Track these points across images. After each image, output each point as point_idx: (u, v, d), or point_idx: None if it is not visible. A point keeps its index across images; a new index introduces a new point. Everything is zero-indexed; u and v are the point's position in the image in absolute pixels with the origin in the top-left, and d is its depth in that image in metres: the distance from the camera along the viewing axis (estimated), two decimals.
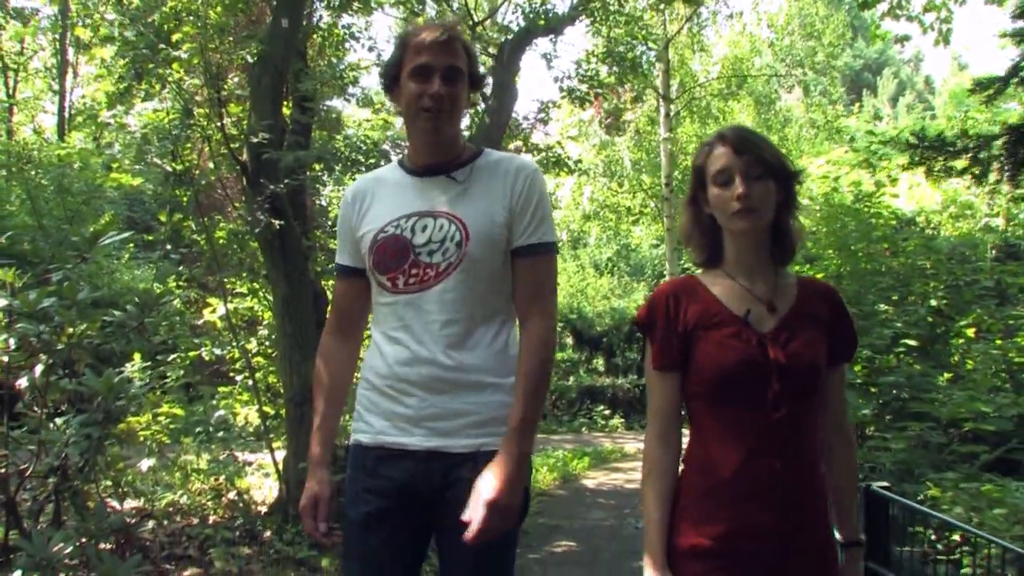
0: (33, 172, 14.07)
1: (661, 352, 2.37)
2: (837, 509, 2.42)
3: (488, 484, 2.44)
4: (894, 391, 8.03)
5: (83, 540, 4.89)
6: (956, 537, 4.77)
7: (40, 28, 23.90)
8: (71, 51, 23.88)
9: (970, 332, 9.16)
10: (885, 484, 4.29)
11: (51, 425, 5.22)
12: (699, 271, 2.49)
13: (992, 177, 3.26)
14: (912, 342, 8.58)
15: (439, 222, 2.63)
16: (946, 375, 8.14)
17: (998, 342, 8.65)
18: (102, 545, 5.27)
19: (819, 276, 9.90)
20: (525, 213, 2.66)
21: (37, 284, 5.53)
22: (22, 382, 5.12)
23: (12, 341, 4.96)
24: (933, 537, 5.02)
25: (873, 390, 8.27)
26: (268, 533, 7.01)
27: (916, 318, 9.25)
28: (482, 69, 2.91)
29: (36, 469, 5.22)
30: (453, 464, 2.56)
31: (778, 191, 2.32)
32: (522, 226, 2.65)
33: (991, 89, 3.17)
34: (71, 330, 5.28)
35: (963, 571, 4.70)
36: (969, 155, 3.33)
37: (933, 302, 9.59)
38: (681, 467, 2.40)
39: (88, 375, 5.17)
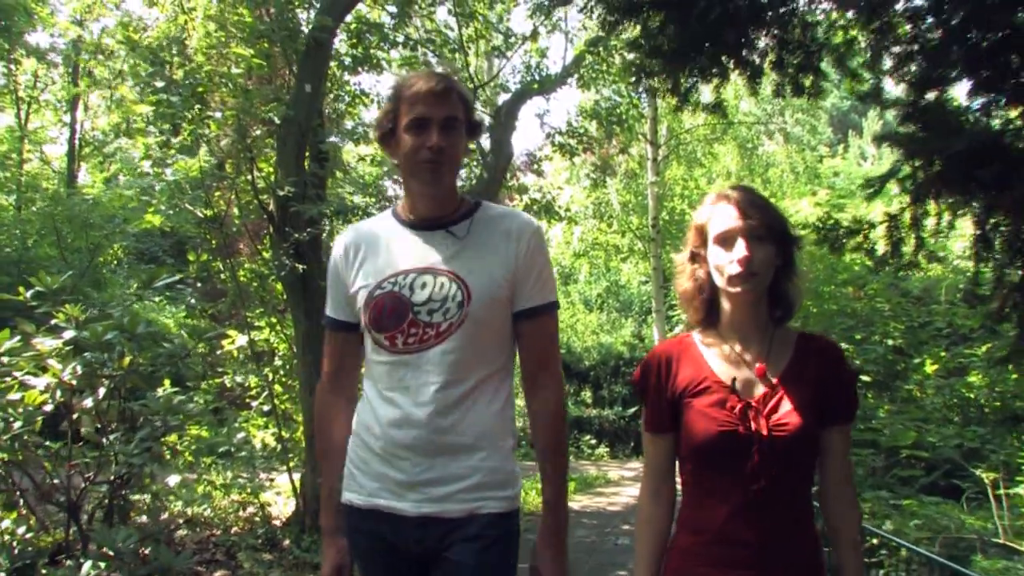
0: (57, 207, 14.96)
1: (652, 416, 2.38)
2: (845, 571, 2.31)
3: (547, 568, 2.60)
4: None
5: (143, 538, 5.79)
6: (875, 541, 5.66)
7: (51, 63, 24.73)
8: (83, 84, 24.72)
9: (929, 369, 10.02)
10: None
11: (104, 441, 6.10)
12: (695, 330, 2.43)
13: (879, 253, 4.11)
14: (867, 378, 9.52)
15: (439, 280, 2.56)
16: (886, 407, 9.02)
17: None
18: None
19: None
20: (530, 275, 2.62)
21: (98, 318, 6.44)
22: (87, 403, 6.01)
23: (80, 368, 5.86)
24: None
25: None
26: (287, 541, 7.89)
27: (875, 356, 10.18)
28: (479, 116, 2.92)
29: (97, 479, 6.12)
30: (449, 528, 2.51)
31: (778, 255, 2.27)
32: (527, 288, 2.62)
33: (874, 187, 4.05)
34: (128, 359, 6.16)
35: (882, 571, 5.60)
36: (860, 235, 4.19)
37: (890, 341, 10.54)
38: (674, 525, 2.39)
39: (148, 396, 6.09)
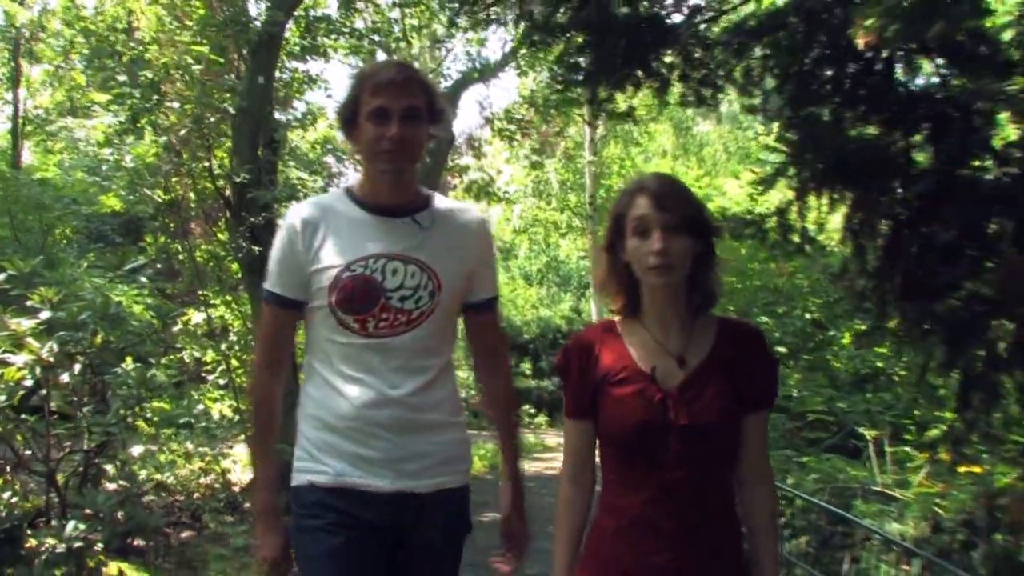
0: (9, 188, 15.24)
1: (572, 402, 2.37)
2: (756, 561, 2.30)
3: (519, 532, 2.80)
4: None
5: (121, 500, 6.37)
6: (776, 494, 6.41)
7: None
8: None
9: (846, 340, 10.80)
10: None
11: (78, 413, 6.64)
12: (618, 317, 2.40)
13: (771, 240, 4.73)
14: (783, 349, 10.31)
15: (409, 268, 2.58)
16: (797, 375, 9.81)
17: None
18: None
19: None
20: (485, 269, 2.75)
21: (71, 299, 6.96)
22: (64, 378, 6.53)
23: (56, 346, 6.38)
24: None
25: None
26: (247, 504, 8.51)
27: (794, 328, 10.97)
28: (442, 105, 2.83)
29: (73, 449, 6.67)
30: (419, 504, 2.57)
31: (697, 245, 2.23)
32: (482, 281, 2.74)
33: (763, 185, 4.69)
34: (99, 338, 6.68)
35: (783, 519, 6.39)
36: (755, 226, 4.83)
37: (808, 315, 11.35)
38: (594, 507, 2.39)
39: (122, 371, 6.65)
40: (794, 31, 4.19)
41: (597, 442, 2.36)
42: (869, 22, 2.94)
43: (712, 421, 2.18)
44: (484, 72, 11.65)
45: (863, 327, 10.77)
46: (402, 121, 2.53)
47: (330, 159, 13.25)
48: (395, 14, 12.36)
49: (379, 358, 2.56)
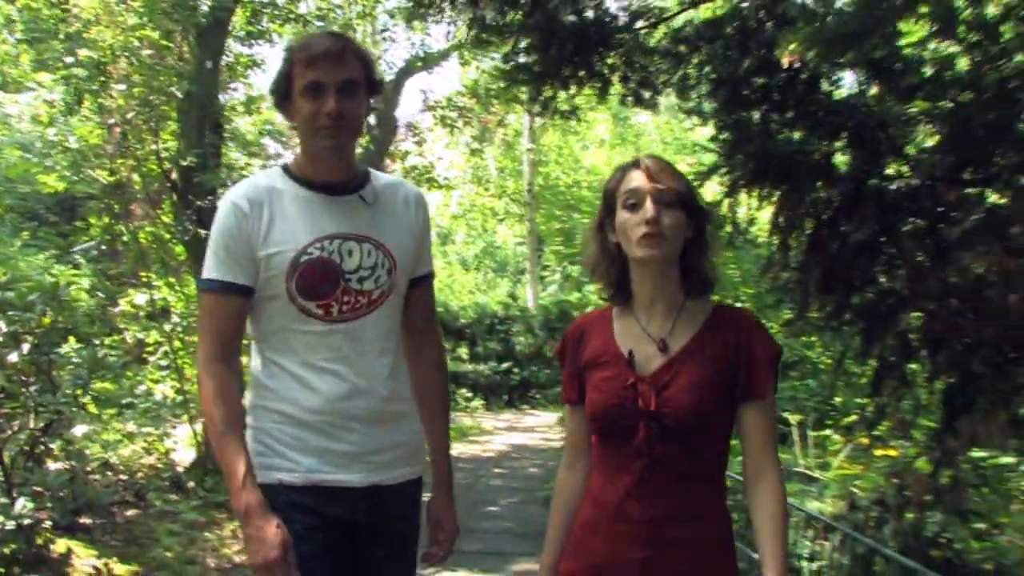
0: None
1: (566, 386, 2.35)
2: (761, 560, 2.14)
3: (448, 517, 2.73)
4: None
5: (71, 477, 6.51)
6: None
7: None
8: None
9: (775, 329, 11.24)
10: None
11: (24, 392, 6.76)
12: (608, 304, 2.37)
13: None
14: None
15: (365, 247, 2.50)
16: None
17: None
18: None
19: None
20: (425, 244, 2.71)
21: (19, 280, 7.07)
22: (12, 357, 6.64)
23: (4, 326, 6.50)
24: None
25: None
26: (191, 483, 8.68)
27: None
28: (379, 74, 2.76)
29: (19, 429, 6.78)
30: (389, 497, 2.54)
31: (688, 226, 2.19)
32: (423, 257, 2.71)
33: (699, 182, 4.97)
34: (48, 318, 6.80)
35: None
36: None
37: (740, 305, 11.76)
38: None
39: (73, 351, 6.78)
40: (728, 42, 4.48)
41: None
42: (792, 46, 3.26)
43: (685, 409, 2.11)
44: (427, 61, 11.88)
45: (790, 316, 11.30)
46: (339, 94, 2.42)
47: (267, 140, 13.41)
48: (339, 0, 12.55)
49: (347, 344, 2.48)
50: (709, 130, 5.24)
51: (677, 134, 25.38)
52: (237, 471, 2.37)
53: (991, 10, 3.70)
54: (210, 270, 2.50)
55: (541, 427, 15.89)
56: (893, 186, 3.72)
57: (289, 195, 2.52)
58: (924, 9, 3.21)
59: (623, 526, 2.17)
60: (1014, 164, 3.46)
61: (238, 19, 10.68)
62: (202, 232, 8.69)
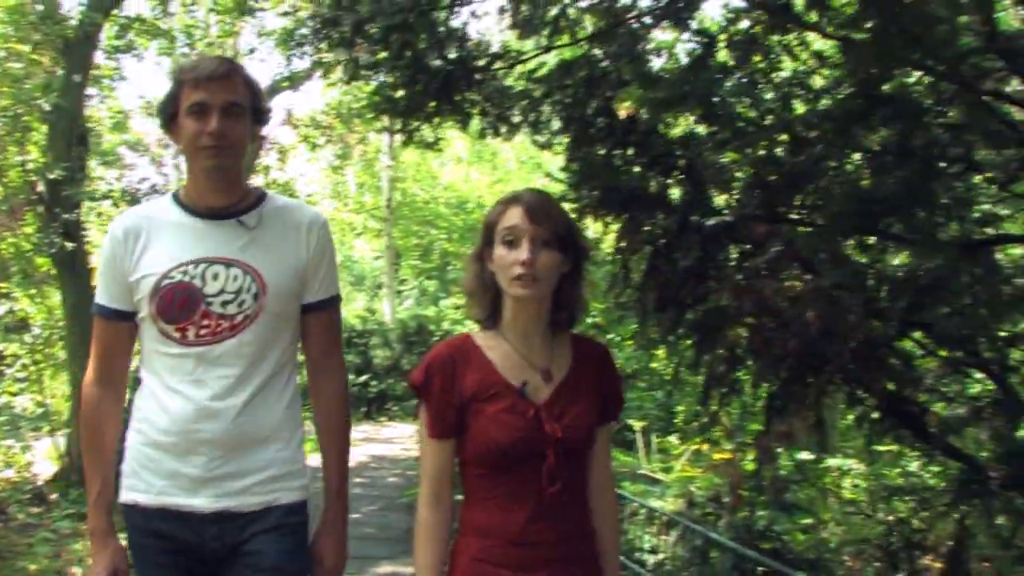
0: None
1: (436, 422, 2.28)
2: (603, 566, 2.36)
3: (329, 554, 2.61)
4: None
5: None
6: None
7: None
8: None
9: (627, 343, 11.83)
10: None
11: None
12: (476, 330, 2.40)
13: None
14: None
15: (232, 271, 2.48)
16: None
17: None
18: None
19: None
20: (320, 268, 2.62)
21: None
22: None
23: None
24: None
25: None
26: (55, 496, 8.78)
27: (579, 332, 11.97)
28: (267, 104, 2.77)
29: None
30: (245, 522, 2.48)
31: (565, 262, 2.25)
32: (317, 281, 2.62)
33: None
34: None
35: None
36: None
37: (590, 320, 12.38)
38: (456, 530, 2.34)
39: None
40: (577, 86, 5.03)
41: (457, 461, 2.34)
42: (627, 104, 3.80)
43: (583, 434, 2.24)
44: (293, 80, 12.18)
45: (634, 329, 11.99)
46: (223, 116, 2.43)
47: (135, 158, 13.42)
48: (200, 14, 12.69)
49: (202, 368, 2.47)
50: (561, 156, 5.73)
51: (532, 153, 26.06)
52: (90, 492, 2.54)
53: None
54: (97, 295, 2.61)
55: (399, 438, 16.18)
56: (712, 221, 4.28)
57: (169, 222, 2.56)
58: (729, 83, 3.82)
59: (525, 552, 2.20)
60: (811, 205, 4.11)
61: (105, 33, 10.77)
62: (69, 245, 8.84)
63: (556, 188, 5.42)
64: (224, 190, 2.55)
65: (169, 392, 2.48)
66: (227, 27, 12.77)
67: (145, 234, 2.53)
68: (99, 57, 10.93)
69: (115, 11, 10.39)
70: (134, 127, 12.37)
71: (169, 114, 2.53)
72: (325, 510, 2.66)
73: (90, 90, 10.91)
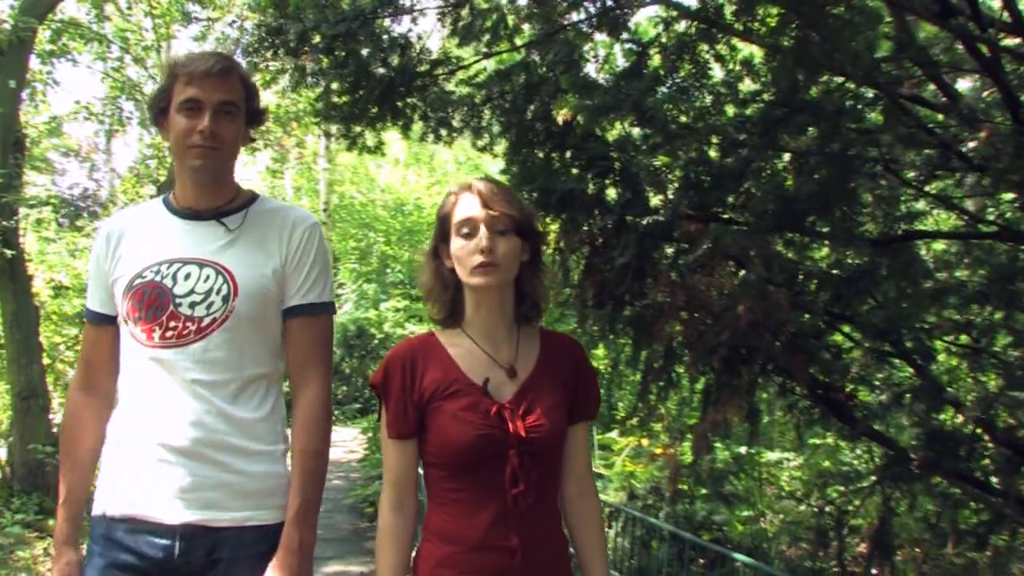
0: None
1: (396, 421, 2.20)
2: (590, 569, 2.27)
3: None
4: None
5: None
6: None
7: None
8: None
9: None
10: None
11: None
12: (437, 328, 2.30)
13: None
14: None
15: (204, 271, 2.37)
16: None
17: None
18: None
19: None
20: (301, 270, 2.46)
21: None
22: None
23: None
24: None
25: None
26: None
27: None
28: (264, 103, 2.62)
29: None
30: (216, 541, 2.31)
31: (524, 250, 2.19)
32: (297, 284, 2.45)
33: None
34: None
35: None
36: None
37: None
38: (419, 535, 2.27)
39: None
40: (516, 92, 5.19)
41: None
42: (564, 110, 3.97)
43: (549, 433, 2.13)
44: None
45: (573, 327, 12.20)
46: (215, 115, 2.33)
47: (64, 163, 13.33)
48: (135, 16, 12.62)
49: (168, 372, 2.34)
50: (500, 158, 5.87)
51: (470, 155, 26.17)
52: (59, 500, 2.49)
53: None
54: (87, 299, 2.57)
55: (341, 441, 16.21)
56: (647, 220, 4.46)
57: (152, 223, 2.48)
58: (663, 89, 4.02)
59: (489, 557, 2.11)
60: (740, 204, 4.33)
61: (39, 39, 10.72)
62: (8, 252, 8.81)
63: None
64: (210, 191, 2.46)
65: (139, 397, 2.37)
66: (162, 32, 12.73)
67: (128, 235, 2.47)
68: (33, 62, 10.90)
69: (50, 15, 10.36)
70: (68, 133, 12.25)
71: (160, 108, 2.43)
72: (285, 538, 2.35)
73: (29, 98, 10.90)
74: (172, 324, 2.33)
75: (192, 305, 2.34)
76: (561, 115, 4.13)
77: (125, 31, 12.12)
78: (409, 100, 5.81)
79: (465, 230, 2.14)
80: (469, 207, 2.15)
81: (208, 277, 2.37)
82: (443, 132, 5.96)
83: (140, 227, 2.48)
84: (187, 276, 2.37)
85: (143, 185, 13.36)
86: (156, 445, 2.30)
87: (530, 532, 2.12)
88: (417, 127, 6.04)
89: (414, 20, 5.52)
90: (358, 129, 5.92)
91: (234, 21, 10.09)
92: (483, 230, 2.11)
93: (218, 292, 2.36)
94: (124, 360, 2.43)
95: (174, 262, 2.39)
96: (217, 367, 2.35)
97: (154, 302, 2.35)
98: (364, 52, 5.25)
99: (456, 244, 2.16)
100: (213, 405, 2.33)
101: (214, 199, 2.45)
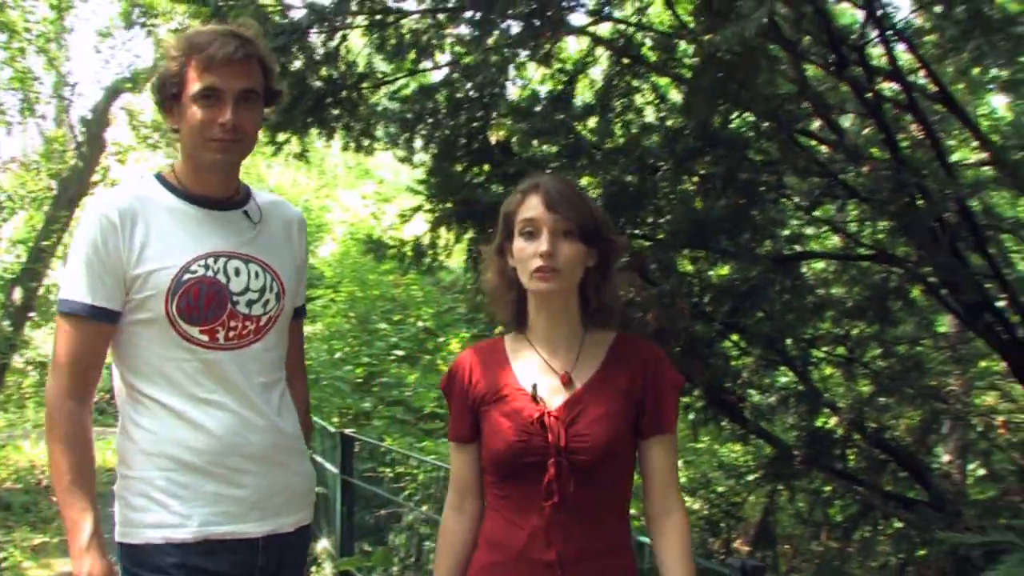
0: None
1: (454, 423, 2.21)
2: None
3: None
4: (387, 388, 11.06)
5: None
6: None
7: None
8: None
9: (454, 346, 12.22)
10: (352, 430, 6.99)
11: None
12: (508, 332, 2.24)
13: (407, 261, 5.98)
14: (401, 352, 11.68)
15: (252, 268, 2.27)
16: (413, 375, 11.15)
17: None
18: None
19: (339, 299, 12.80)
20: (303, 271, 2.47)
21: None
22: None
23: None
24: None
25: (374, 388, 11.12)
26: None
27: (409, 334, 12.34)
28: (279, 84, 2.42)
29: None
30: (284, 546, 2.29)
31: (590, 255, 2.08)
32: (302, 285, 2.48)
33: (406, 216, 5.95)
34: None
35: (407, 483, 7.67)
36: (396, 249, 6.05)
37: (422, 323, 12.78)
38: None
39: None
40: (437, 107, 5.51)
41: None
42: (501, 132, 4.30)
43: (596, 445, 2.01)
44: (136, 82, 12.12)
45: (467, 335, 12.45)
46: (237, 105, 2.17)
47: None
48: (42, 10, 12.44)
49: (233, 374, 2.21)
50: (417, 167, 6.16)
51: (359, 159, 26.12)
52: (83, 530, 2.12)
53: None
54: (73, 290, 2.18)
55: None
56: None
57: (166, 208, 2.26)
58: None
59: (528, 569, 2.03)
60: (652, 222, 4.76)
61: None
62: None
63: (417, 199, 5.85)
64: (225, 181, 2.32)
65: (199, 406, 2.19)
66: (55, 24, 12.55)
67: (143, 219, 2.21)
68: None
69: None
70: None
71: (170, 93, 2.23)
72: None
73: None
74: (233, 324, 2.22)
75: (249, 303, 2.25)
76: (494, 136, 4.47)
77: (29, 24, 11.89)
78: (334, 112, 6.06)
79: (528, 230, 2.06)
80: (533, 207, 2.06)
81: (257, 274, 2.28)
82: (365, 142, 6.23)
83: (155, 212, 2.24)
84: (237, 272, 2.25)
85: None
86: (232, 454, 2.20)
87: (575, 547, 2.02)
88: (340, 135, 6.30)
89: (344, 36, 5.80)
90: (284, 138, 6.15)
91: (177, 28, 10.08)
92: (545, 234, 2.03)
93: (271, 290, 2.30)
94: (159, 363, 2.21)
95: (219, 256, 2.24)
96: (271, 367, 2.32)
97: (213, 300, 2.20)
98: (298, 65, 5.50)
99: (518, 244, 2.08)
100: (272, 406, 2.28)
101: (227, 188, 2.33)
